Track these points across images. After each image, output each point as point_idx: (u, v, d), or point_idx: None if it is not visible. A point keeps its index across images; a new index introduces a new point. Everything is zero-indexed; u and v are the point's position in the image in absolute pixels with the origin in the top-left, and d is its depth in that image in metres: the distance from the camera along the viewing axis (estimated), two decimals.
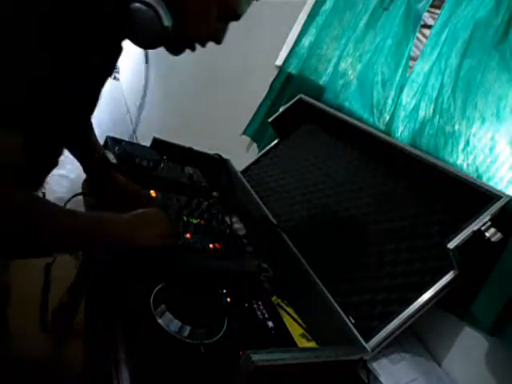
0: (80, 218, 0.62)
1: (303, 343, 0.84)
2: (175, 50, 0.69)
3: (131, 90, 4.24)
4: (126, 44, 0.67)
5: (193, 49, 0.70)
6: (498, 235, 0.77)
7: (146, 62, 3.78)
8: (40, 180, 0.67)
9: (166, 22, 0.60)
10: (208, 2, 0.63)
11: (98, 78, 0.66)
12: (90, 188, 0.95)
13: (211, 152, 1.39)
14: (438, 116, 1.07)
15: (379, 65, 1.30)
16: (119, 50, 0.68)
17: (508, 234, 0.79)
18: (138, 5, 0.58)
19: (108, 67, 0.68)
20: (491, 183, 0.91)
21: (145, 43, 0.66)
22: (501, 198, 0.80)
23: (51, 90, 0.52)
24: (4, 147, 0.48)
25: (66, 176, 2.23)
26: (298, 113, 1.44)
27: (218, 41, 0.70)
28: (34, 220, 0.53)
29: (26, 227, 0.52)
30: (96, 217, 0.68)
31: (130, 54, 4.75)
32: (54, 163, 0.67)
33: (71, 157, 0.88)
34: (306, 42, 1.61)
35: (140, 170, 1.10)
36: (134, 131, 3.71)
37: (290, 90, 1.57)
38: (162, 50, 0.69)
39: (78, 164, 0.92)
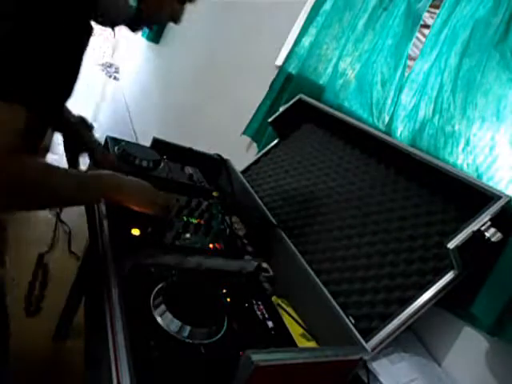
0: (78, 177, 0.68)
1: (303, 343, 0.84)
2: (135, 28, 0.74)
3: (131, 90, 4.24)
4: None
5: (151, 28, 0.77)
6: (498, 235, 0.77)
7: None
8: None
9: (131, 1, 0.65)
10: None
11: (78, 58, 0.67)
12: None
13: (211, 152, 1.39)
14: (437, 116, 1.07)
15: (379, 65, 1.30)
16: (91, 28, 0.69)
17: (508, 233, 0.79)
18: None
19: (84, 47, 0.68)
20: (491, 183, 0.90)
21: (108, 22, 0.70)
22: (501, 197, 0.80)
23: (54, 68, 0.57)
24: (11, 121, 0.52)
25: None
26: (298, 113, 1.44)
27: (177, 21, 0.76)
28: (36, 180, 0.58)
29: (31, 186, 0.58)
30: (95, 175, 0.73)
31: (131, 55, 4.75)
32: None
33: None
34: (306, 42, 1.61)
35: (140, 170, 1.10)
36: (134, 131, 3.71)
37: (290, 90, 1.57)
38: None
39: None
